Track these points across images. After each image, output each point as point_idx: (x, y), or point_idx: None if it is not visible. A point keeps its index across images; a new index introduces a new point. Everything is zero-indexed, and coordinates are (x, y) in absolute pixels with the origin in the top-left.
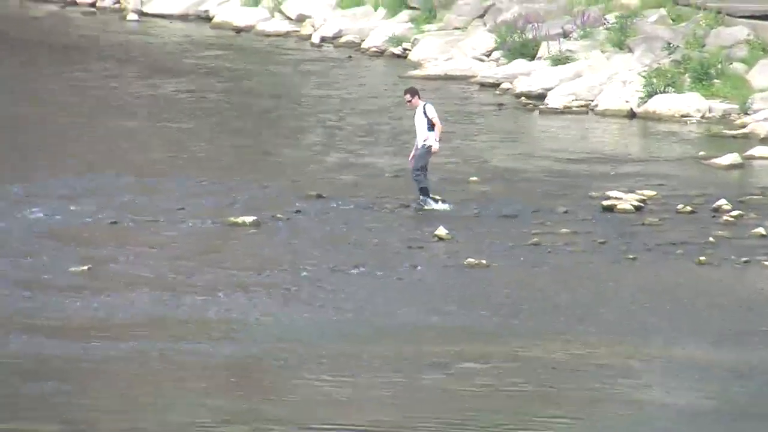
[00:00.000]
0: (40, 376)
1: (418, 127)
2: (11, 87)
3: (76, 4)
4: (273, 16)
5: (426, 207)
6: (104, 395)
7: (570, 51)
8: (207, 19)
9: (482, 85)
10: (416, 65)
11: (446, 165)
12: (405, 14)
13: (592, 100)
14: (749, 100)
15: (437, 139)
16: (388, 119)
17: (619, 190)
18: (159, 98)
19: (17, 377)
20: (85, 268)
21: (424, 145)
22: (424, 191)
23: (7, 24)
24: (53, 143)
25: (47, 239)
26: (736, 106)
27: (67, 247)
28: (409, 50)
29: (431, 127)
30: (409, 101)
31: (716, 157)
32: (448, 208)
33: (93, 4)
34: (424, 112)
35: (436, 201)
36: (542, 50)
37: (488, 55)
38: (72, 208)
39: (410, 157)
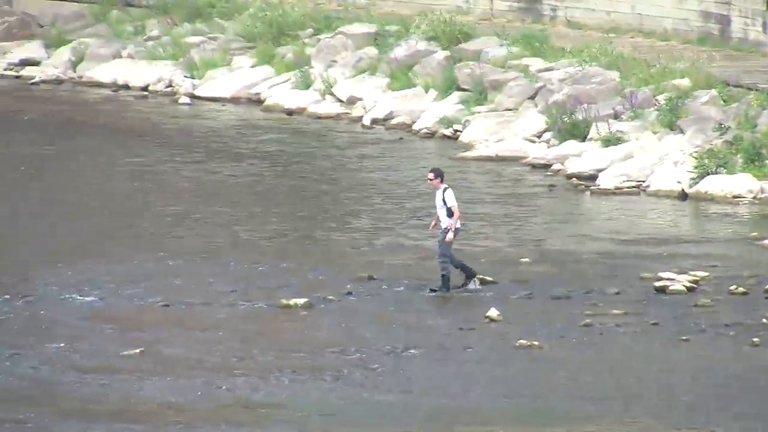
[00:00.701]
0: None
1: (438, 209)
2: (66, 169)
3: (128, 88)
4: (324, 99)
5: (443, 292)
6: None
7: (621, 132)
8: (258, 101)
9: (533, 166)
10: (467, 146)
11: (497, 246)
12: (456, 96)
13: (644, 181)
14: None
15: (453, 228)
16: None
17: (672, 271)
18: (213, 182)
19: None
20: (138, 351)
21: (446, 232)
22: (445, 281)
23: (63, 107)
24: (108, 226)
25: (100, 323)
26: None
27: (120, 331)
28: (460, 131)
29: (450, 213)
30: (431, 180)
31: None
32: (479, 287)
33: (145, 88)
34: (444, 198)
35: (470, 283)
36: (593, 131)
37: (539, 136)
38: (124, 291)
39: (431, 227)
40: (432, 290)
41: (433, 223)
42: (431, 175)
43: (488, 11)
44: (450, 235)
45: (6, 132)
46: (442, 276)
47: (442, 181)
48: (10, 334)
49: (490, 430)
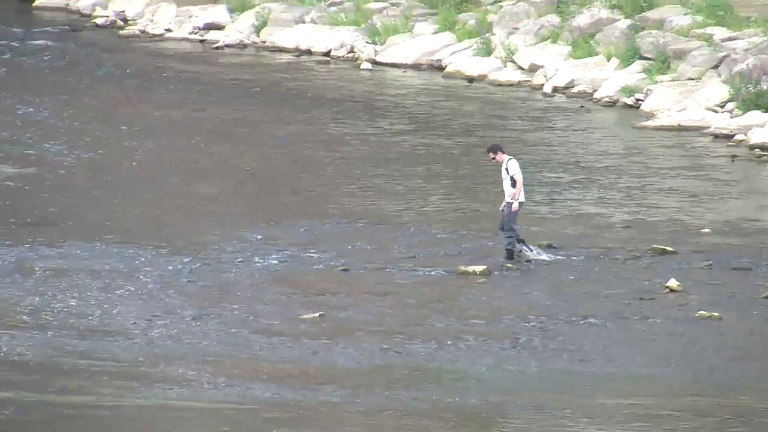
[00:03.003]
0: (281, 423)
1: (504, 184)
2: (265, 133)
3: (310, 53)
4: (505, 66)
5: (521, 256)
6: None
7: None
8: (439, 68)
9: (716, 136)
10: (649, 116)
11: (677, 216)
12: (638, 65)
13: None
14: None
15: (516, 198)
16: (617, 171)
17: None
18: (398, 149)
19: (269, 424)
20: (317, 315)
21: (510, 203)
22: (510, 254)
23: (247, 73)
24: (290, 190)
25: (280, 285)
26: None
27: (300, 294)
28: (642, 101)
29: (513, 183)
30: (494, 158)
31: None
32: (547, 259)
33: (327, 54)
34: (506, 169)
35: (530, 250)
36: None
37: (722, 106)
38: (305, 254)
39: (501, 208)
40: (506, 266)
41: (502, 206)
42: (491, 154)
43: None
44: (515, 205)
45: (200, 94)
46: (507, 250)
47: (503, 153)
48: (192, 295)
49: (667, 400)
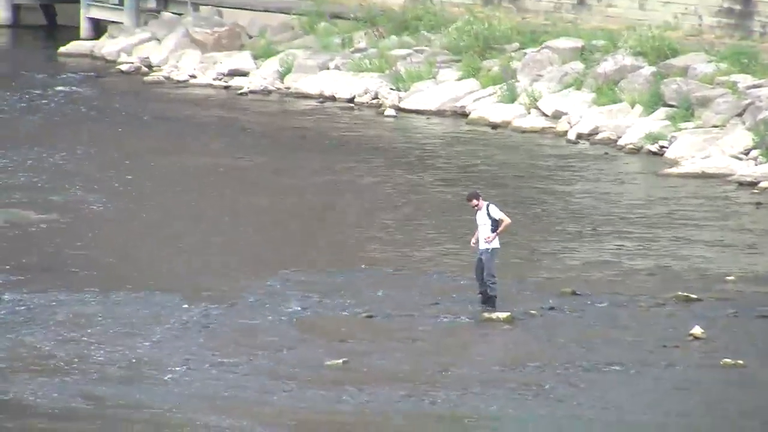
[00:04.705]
0: None
1: (481, 226)
2: (289, 180)
3: (334, 99)
4: (529, 113)
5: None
6: None
7: None
8: (463, 114)
9: (740, 183)
10: (672, 163)
11: (702, 263)
12: (662, 111)
13: None
14: None
15: (489, 241)
16: (640, 216)
17: None
18: (420, 194)
19: None
20: (341, 361)
21: (489, 249)
22: (492, 301)
23: (274, 119)
24: (315, 237)
25: (304, 332)
26: None
27: (323, 341)
28: (666, 148)
29: (495, 228)
30: (476, 204)
31: None
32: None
33: (351, 100)
34: (488, 213)
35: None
36: None
37: (746, 154)
38: (328, 301)
39: (472, 242)
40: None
41: (473, 240)
42: (474, 201)
43: (697, 27)
44: (494, 244)
45: (220, 141)
46: (490, 297)
47: (482, 199)
48: (217, 341)
49: None
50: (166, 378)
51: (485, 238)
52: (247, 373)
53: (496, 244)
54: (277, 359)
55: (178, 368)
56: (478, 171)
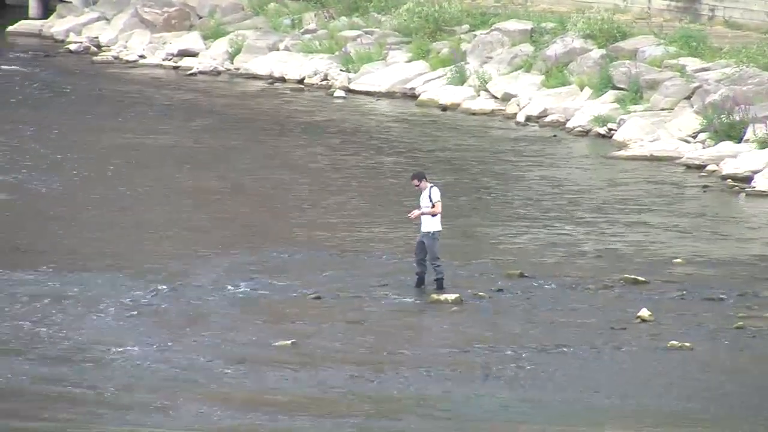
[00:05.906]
0: None
1: (424, 208)
2: (236, 160)
3: (284, 80)
4: (478, 95)
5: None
6: None
7: None
8: (413, 96)
9: (688, 166)
10: (621, 146)
11: (649, 246)
12: (611, 94)
13: None
14: None
15: (421, 213)
16: (588, 199)
17: None
18: (369, 176)
19: None
20: (289, 342)
21: (431, 233)
22: (440, 282)
23: (223, 100)
24: (263, 218)
25: (252, 314)
26: None
27: (271, 322)
28: (615, 130)
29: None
30: (418, 185)
31: None
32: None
33: (301, 81)
34: (429, 196)
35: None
36: (749, 132)
37: (694, 137)
38: (276, 282)
39: (412, 215)
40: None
41: (415, 214)
42: (416, 181)
43: (646, 10)
44: (436, 227)
45: (168, 122)
46: (437, 279)
47: (427, 181)
48: (164, 322)
49: (640, 430)
50: (112, 358)
51: (413, 216)
52: (194, 354)
53: (438, 226)
54: (225, 340)
55: (125, 348)
56: (426, 153)
